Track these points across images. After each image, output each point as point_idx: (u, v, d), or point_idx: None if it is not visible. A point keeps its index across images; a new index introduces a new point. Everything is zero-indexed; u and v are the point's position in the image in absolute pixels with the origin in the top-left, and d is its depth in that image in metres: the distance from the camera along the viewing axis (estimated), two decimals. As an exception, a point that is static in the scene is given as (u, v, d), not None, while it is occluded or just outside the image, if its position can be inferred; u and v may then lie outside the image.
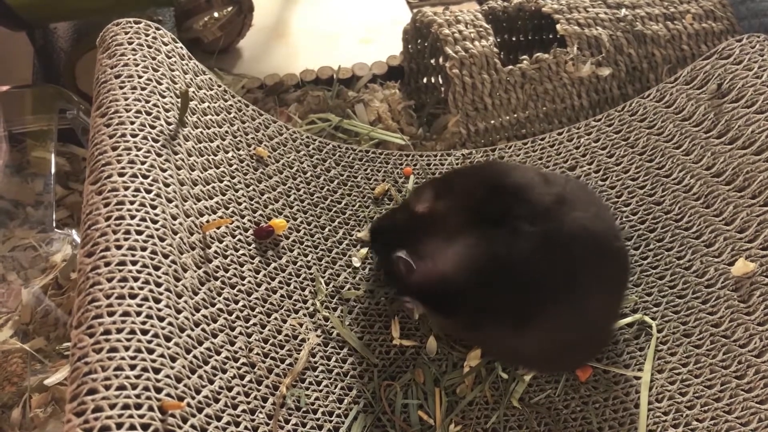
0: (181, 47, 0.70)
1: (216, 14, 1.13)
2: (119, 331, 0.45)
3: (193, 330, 0.52)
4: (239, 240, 0.65)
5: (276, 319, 0.63)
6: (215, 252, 0.60)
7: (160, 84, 0.63)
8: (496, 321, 0.61)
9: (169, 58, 0.67)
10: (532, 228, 0.58)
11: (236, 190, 0.68)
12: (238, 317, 0.59)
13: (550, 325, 0.60)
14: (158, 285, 0.50)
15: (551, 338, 0.61)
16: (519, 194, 0.61)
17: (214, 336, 0.55)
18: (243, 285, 0.62)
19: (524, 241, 0.58)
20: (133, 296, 0.47)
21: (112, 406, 0.42)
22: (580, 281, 0.59)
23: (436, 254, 0.61)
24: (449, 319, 0.65)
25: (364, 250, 0.74)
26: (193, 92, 0.68)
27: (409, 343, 0.68)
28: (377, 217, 0.77)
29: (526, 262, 0.58)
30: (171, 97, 0.63)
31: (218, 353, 0.54)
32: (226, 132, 0.71)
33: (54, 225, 0.84)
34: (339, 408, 0.62)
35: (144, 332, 0.46)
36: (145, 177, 0.54)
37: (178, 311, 0.51)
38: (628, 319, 0.69)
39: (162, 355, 0.47)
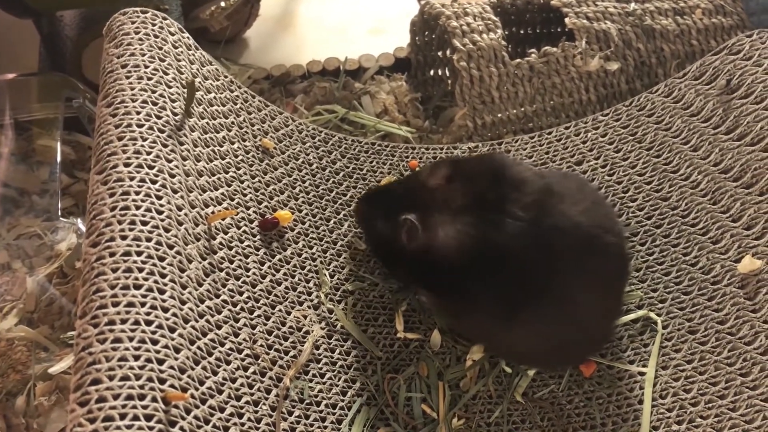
0: (188, 37, 0.70)
1: (223, 4, 1.13)
2: (123, 321, 0.45)
3: (197, 321, 0.52)
4: (244, 231, 0.64)
5: (280, 311, 0.63)
6: (220, 243, 0.60)
7: (167, 74, 0.62)
8: (485, 309, 0.61)
9: (176, 48, 0.66)
10: (522, 214, 0.59)
11: (241, 182, 0.68)
12: (242, 309, 0.59)
13: (535, 318, 0.60)
14: (163, 276, 0.50)
15: (537, 332, 0.62)
16: (514, 185, 0.62)
17: (218, 327, 0.55)
18: (248, 276, 0.62)
19: (512, 228, 0.59)
20: (137, 287, 0.47)
21: (116, 397, 0.42)
22: (562, 274, 0.59)
23: (440, 227, 0.61)
24: (443, 300, 0.65)
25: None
26: (200, 83, 0.68)
27: (413, 336, 0.68)
28: (371, 187, 0.78)
29: (512, 249, 0.59)
30: (177, 87, 0.63)
31: (222, 344, 0.55)
32: (232, 123, 0.71)
33: (59, 213, 0.84)
34: (342, 400, 0.62)
35: (148, 323, 0.46)
36: (150, 167, 0.54)
37: (183, 302, 0.51)
38: (633, 315, 0.69)
39: (166, 346, 0.47)
